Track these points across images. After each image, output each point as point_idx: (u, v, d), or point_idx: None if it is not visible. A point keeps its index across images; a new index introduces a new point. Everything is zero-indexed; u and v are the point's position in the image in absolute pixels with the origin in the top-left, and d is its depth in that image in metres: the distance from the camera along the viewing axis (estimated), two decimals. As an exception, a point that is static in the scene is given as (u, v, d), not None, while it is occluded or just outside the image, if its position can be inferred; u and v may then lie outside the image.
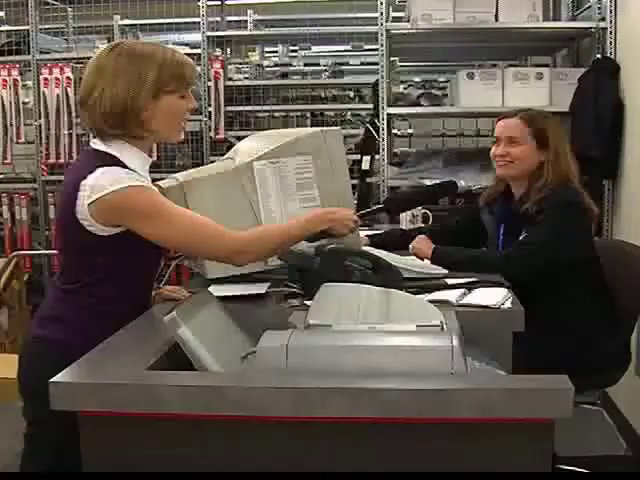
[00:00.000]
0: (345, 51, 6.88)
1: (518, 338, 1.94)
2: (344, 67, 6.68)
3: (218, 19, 5.80)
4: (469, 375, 1.41)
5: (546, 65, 5.18)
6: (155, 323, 1.83)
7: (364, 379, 1.38)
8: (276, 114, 5.83)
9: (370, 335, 1.55)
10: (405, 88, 6.12)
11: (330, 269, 2.00)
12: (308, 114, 5.84)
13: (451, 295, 2.05)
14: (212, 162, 5.08)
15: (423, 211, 3.35)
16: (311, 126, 5.61)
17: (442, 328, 1.61)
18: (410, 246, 2.58)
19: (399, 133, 6.33)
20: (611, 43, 4.12)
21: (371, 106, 5.42)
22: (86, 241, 1.89)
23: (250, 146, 2.33)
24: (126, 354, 1.61)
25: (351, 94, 5.93)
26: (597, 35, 4.33)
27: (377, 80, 4.76)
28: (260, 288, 2.12)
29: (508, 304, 2.00)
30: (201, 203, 2.20)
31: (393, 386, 1.35)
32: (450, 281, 2.26)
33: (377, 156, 4.53)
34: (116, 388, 1.40)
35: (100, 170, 1.85)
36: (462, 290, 2.11)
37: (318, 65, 6.55)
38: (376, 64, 6.23)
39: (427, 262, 2.52)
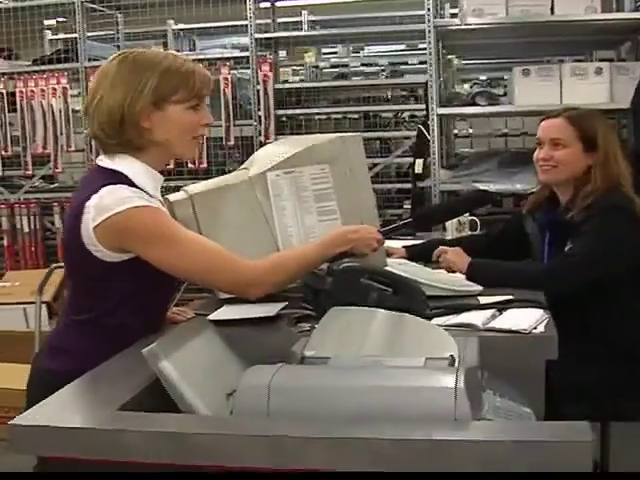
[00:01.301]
0: (401, 50, 6.68)
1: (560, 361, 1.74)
2: (402, 67, 6.50)
3: (269, 21, 5.66)
4: (474, 422, 1.22)
5: (610, 60, 4.88)
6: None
7: (353, 426, 1.21)
8: (329, 116, 5.66)
9: (367, 372, 1.37)
10: (471, 87, 5.91)
11: (344, 290, 1.82)
12: (362, 116, 5.65)
13: (478, 318, 1.85)
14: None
15: (470, 218, 3.13)
16: (364, 129, 5.42)
17: (453, 362, 1.42)
18: (440, 259, 2.38)
19: (459, 134, 6.11)
20: (677, 34, 3.83)
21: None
22: (94, 268, 1.74)
23: (266, 155, 2.17)
24: (101, 391, 1.47)
25: (404, 94, 5.71)
26: (664, 26, 4.05)
27: (427, 80, 4.59)
28: (271, 309, 1.96)
29: (541, 328, 1.79)
30: (212, 217, 2.06)
31: (383, 435, 1.17)
32: (483, 299, 2.06)
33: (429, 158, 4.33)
34: (78, 432, 1.26)
35: (105, 189, 1.70)
36: (492, 311, 1.91)
37: (375, 65, 6.38)
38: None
39: (461, 276, 2.32)
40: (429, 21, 4.01)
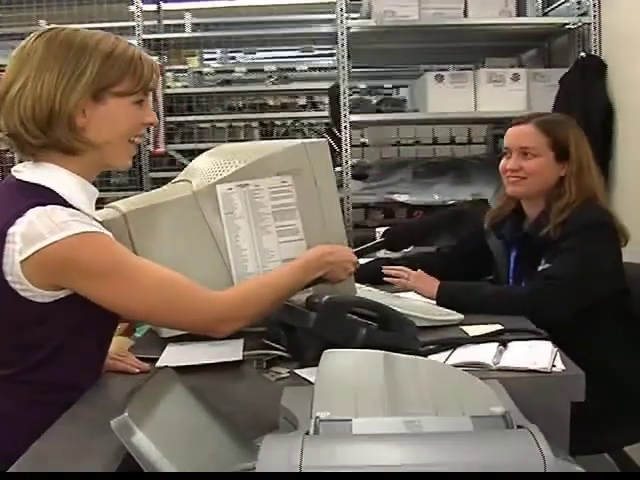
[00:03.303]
0: (290, 57, 6.40)
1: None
2: (289, 73, 6.22)
3: (155, 22, 5.26)
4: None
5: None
6: (98, 419, 1.32)
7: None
8: (221, 124, 5.30)
9: (411, 441, 1.07)
10: (350, 95, 5.70)
11: (329, 328, 1.51)
12: (255, 124, 5.32)
13: (484, 355, 1.58)
14: (152, 179, 4.63)
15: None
16: (260, 137, 5.11)
17: (507, 421, 1.14)
18: (395, 282, 2.10)
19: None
20: (595, 40, 3.73)
21: (325, 114, 4.98)
22: (20, 312, 1.36)
23: (211, 164, 1.82)
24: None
25: (301, 101, 5.44)
26: (577, 32, 3.95)
27: (334, 85, 4.34)
28: (232, 351, 1.62)
29: (560, 365, 1.54)
30: (149, 239, 1.69)
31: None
32: (469, 330, 1.80)
33: (338, 169, 4.05)
34: None
35: (33, 212, 1.32)
36: (494, 346, 1.64)
37: (262, 71, 6.07)
38: (326, 69, 5.87)
39: (428, 301, 2.06)
40: (342, 22, 3.75)
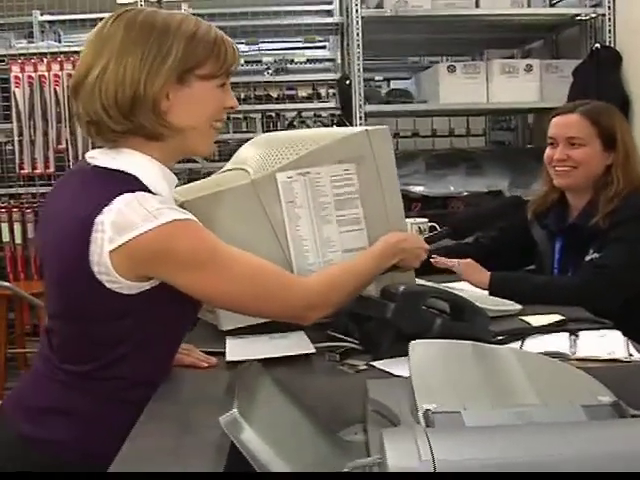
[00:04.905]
0: (289, 48, 6.35)
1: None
2: (289, 65, 6.17)
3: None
4: None
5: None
6: (181, 416, 1.28)
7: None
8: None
9: (535, 432, 1.04)
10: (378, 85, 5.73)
11: (407, 318, 1.48)
12: (259, 115, 5.26)
13: (559, 344, 1.56)
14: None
15: (431, 224, 2.84)
16: (264, 129, 5.05)
17: (620, 410, 1.12)
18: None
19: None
20: (610, 31, 3.73)
21: (331, 105, 4.94)
22: (105, 305, 1.30)
23: (265, 152, 1.77)
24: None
25: (302, 93, 5.37)
26: (589, 23, 3.95)
27: (342, 76, 4.32)
28: (302, 343, 1.58)
29: (637, 353, 1.52)
30: (208, 229, 1.64)
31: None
32: (532, 320, 1.77)
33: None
34: None
35: (122, 199, 1.25)
36: (565, 335, 1.62)
37: (261, 62, 6.01)
38: (327, 60, 5.82)
39: (480, 292, 2.03)
40: (357, 12, 3.71)
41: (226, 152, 4.49)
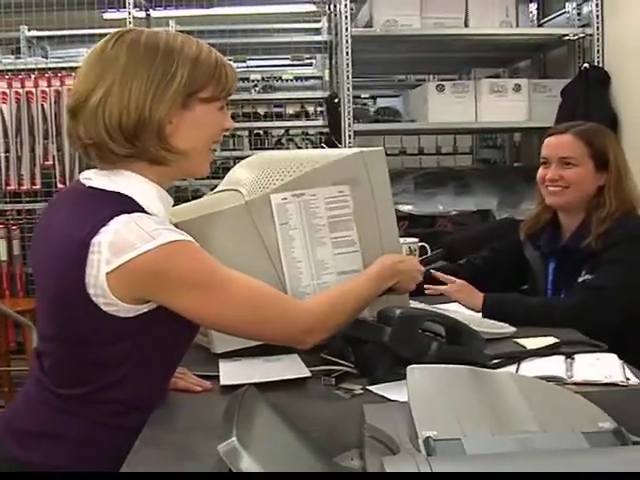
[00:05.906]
0: (276, 66, 6.36)
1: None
2: (276, 82, 6.17)
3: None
4: None
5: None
6: (178, 443, 1.26)
7: None
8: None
9: (536, 460, 1.03)
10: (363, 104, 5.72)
11: (403, 342, 1.47)
12: (246, 133, 5.26)
13: (554, 368, 1.55)
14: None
15: (421, 244, 2.83)
16: (251, 147, 5.05)
17: (621, 437, 1.11)
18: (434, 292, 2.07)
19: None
20: (598, 51, 3.75)
21: (318, 123, 4.95)
22: (100, 328, 1.28)
23: (259, 173, 1.76)
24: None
25: (290, 110, 5.39)
26: (577, 43, 3.97)
27: (331, 94, 4.33)
28: (296, 367, 1.57)
29: (634, 377, 1.51)
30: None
31: None
32: (526, 343, 1.77)
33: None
34: None
35: (119, 220, 1.24)
36: (560, 359, 1.61)
37: (248, 80, 6.01)
38: (315, 78, 5.83)
39: (473, 314, 2.02)
40: (347, 30, 3.72)
41: (212, 169, 4.49)
